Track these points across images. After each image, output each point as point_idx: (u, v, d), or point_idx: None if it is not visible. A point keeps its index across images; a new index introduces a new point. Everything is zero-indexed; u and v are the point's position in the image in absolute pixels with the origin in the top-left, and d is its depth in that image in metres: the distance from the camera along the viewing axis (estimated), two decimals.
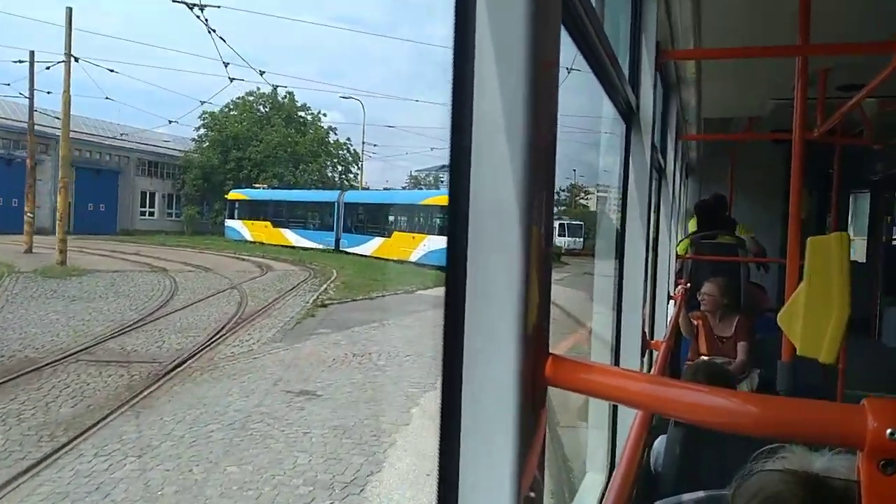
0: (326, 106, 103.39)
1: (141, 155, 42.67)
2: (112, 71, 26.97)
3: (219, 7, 21.15)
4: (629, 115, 2.22)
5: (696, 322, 4.39)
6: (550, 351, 0.79)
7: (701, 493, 1.56)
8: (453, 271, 0.71)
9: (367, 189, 42.09)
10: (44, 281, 17.63)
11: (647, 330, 2.73)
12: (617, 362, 2.38)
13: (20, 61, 26.12)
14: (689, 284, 4.88)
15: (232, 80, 25.39)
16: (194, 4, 20.07)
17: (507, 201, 0.70)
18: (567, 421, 6.51)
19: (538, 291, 0.75)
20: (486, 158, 0.71)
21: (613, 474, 1.39)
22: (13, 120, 30.08)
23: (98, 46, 38.95)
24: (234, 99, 45.20)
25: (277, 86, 44.10)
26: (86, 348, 10.59)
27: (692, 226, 6.12)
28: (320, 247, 32.08)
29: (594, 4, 1.41)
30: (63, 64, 22.50)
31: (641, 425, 1.40)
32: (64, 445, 6.77)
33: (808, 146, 2.90)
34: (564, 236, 38.79)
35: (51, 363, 9.64)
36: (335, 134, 47.83)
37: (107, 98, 32.22)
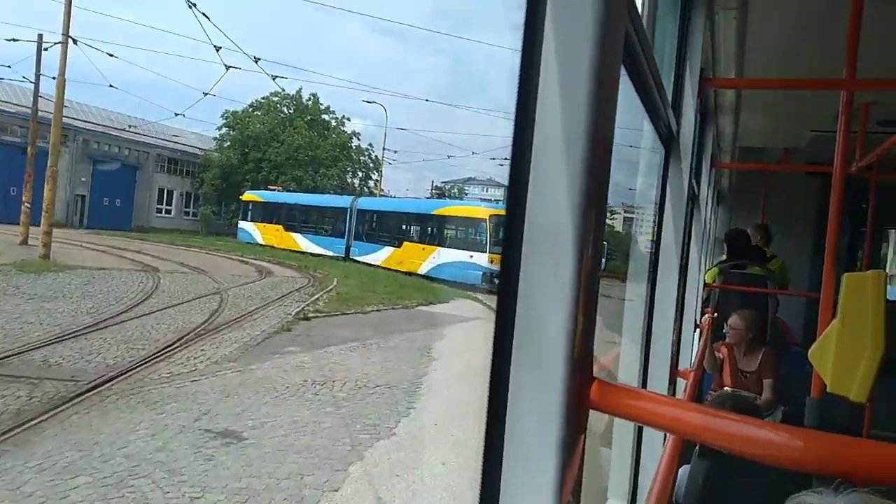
0: (361, 114, 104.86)
1: (161, 151, 41.90)
2: (111, 55, 26.40)
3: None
4: (669, 140, 2.21)
5: (719, 354, 4.32)
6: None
7: None
8: (506, 289, 0.72)
9: (384, 195, 40.62)
10: (16, 275, 16.26)
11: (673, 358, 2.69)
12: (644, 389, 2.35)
13: (14, 40, 25.31)
14: (715, 314, 4.81)
15: (228, 67, 24.39)
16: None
17: (561, 223, 0.70)
18: (588, 443, 6.21)
19: (584, 314, 0.75)
20: (542, 180, 0.71)
21: (637, 502, 1.36)
22: (27, 107, 27.57)
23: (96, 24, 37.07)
24: (258, 99, 45.04)
25: (304, 88, 43.93)
26: (3, 357, 8.84)
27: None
28: (330, 254, 30.32)
29: (644, 26, 1.40)
30: (60, 45, 21.27)
31: (673, 455, 1.37)
32: None
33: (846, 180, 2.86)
34: None
35: None
36: (358, 139, 47.45)
37: (111, 86, 31.38)
